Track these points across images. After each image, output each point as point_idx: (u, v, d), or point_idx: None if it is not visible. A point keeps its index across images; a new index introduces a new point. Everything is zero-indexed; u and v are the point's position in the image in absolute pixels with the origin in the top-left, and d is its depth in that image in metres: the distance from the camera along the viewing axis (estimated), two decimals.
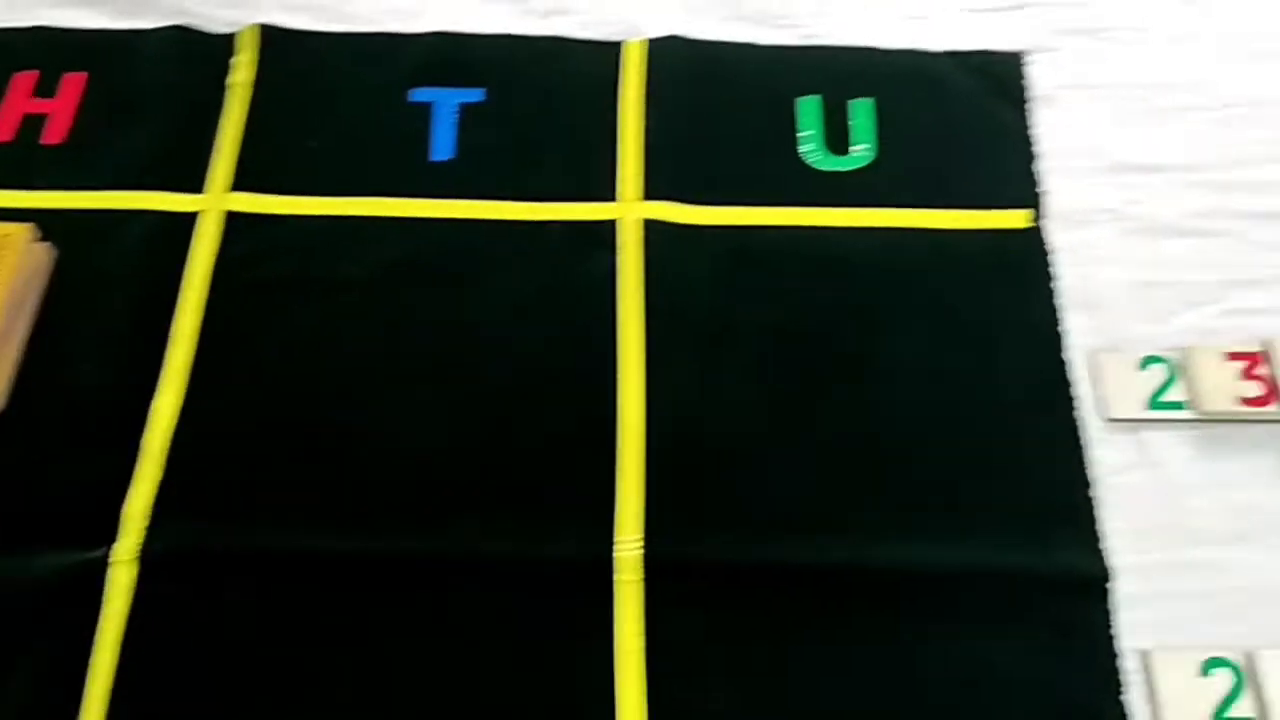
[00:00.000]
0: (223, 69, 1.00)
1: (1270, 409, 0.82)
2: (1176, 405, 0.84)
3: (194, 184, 0.94)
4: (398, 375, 0.86)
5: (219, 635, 0.76)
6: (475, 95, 0.98)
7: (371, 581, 0.78)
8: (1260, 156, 0.95)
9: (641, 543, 0.78)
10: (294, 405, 0.85)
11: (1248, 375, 0.84)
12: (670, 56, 1.00)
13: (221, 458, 0.82)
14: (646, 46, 1.01)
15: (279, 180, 0.95)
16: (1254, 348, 0.85)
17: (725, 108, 0.98)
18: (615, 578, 0.77)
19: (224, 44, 1.02)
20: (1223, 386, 0.83)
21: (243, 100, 0.98)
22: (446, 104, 0.98)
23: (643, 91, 0.99)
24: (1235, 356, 0.84)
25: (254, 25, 1.02)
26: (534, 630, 0.77)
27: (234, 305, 0.88)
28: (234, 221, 0.92)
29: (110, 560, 0.77)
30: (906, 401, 0.85)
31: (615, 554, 0.78)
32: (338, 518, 0.80)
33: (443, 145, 0.97)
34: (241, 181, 0.94)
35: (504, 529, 0.80)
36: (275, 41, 1.01)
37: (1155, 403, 0.84)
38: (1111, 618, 0.76)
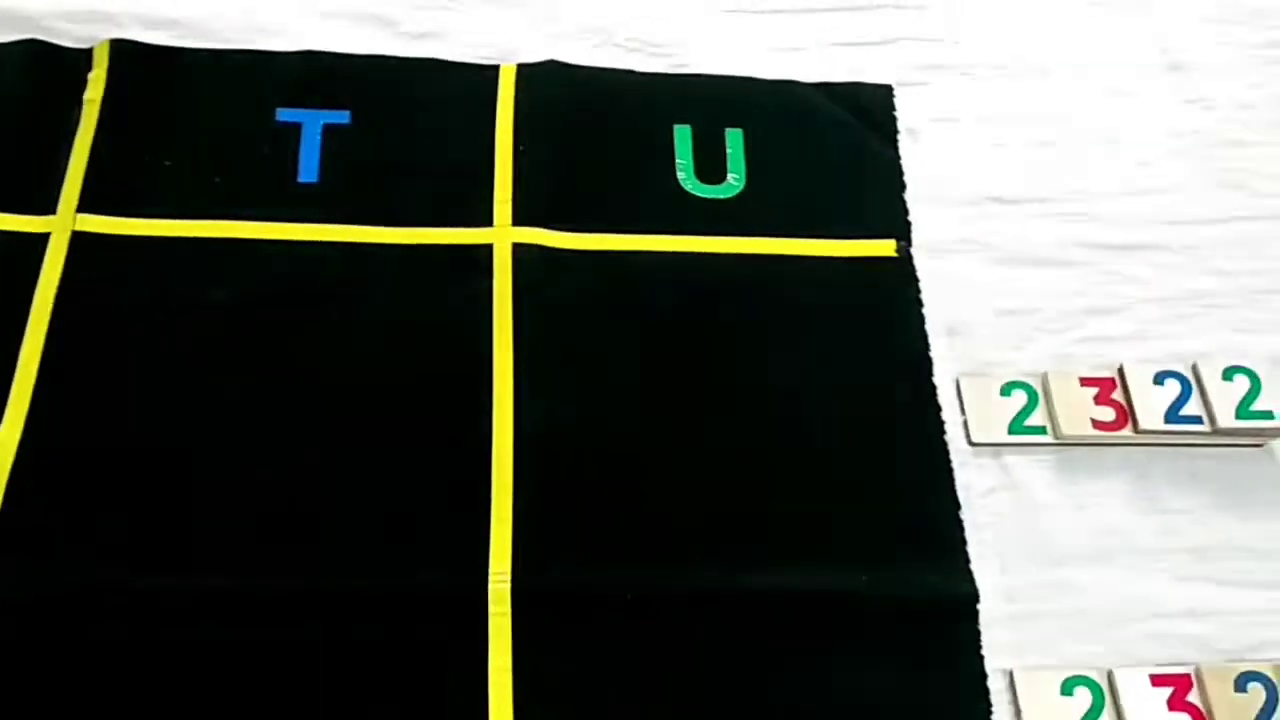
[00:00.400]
0: (78, 85, 0.96)
1: (1124, 432, 0.85)
2: (1037, 430, 0.86)
3: (44, 205, 0.90)
4: (258, 404, 0.83)
5: (58, 682, 0.72)
6: (340, 117, 0.96)
7: (231, 617, 0.74)
8: (1115, 190, 0.99)
9: (509, 575, 0.77)
10: (144, 436, 0.81)
11: (1101, 400, 0.86)
12: (545, 81, 1.00)
13: (63, 492, 0.78)
14: (521, 71, 1.00)
15: (133, 201, 0.91)
16: (1107, 373, 0.87)
17: (599, 134, 0.98)
18: (489, 610, 0.76)
19: (79, 59, 0.97)
20: (1079, 411, 0.86)
21: (96, 117, 0.94)
22: (312, 125, 0.96)
23: (516, 116, 0.98)
24: (1089, 382, 0.87)
25: (108, 40, 0.98)
26: (406, 664, 0.74)
27: (81, 332, 0.84)
28: (83, 243, 0.88)
29: None
30: (776, 427, 0.85)
31: (490, 586, 0.76)
32: (194, 553, 0.77)
33: (308, 167, 0.94)
34: (92, 203, 0.90)
35: (375, 562, 0.77)
36: (131, 57, 0.97)
37: (1017, 427, 0.86)
38: (979, 639, 0.77)
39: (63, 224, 0.89)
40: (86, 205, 0.90)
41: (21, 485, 0.77)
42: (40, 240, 0.88)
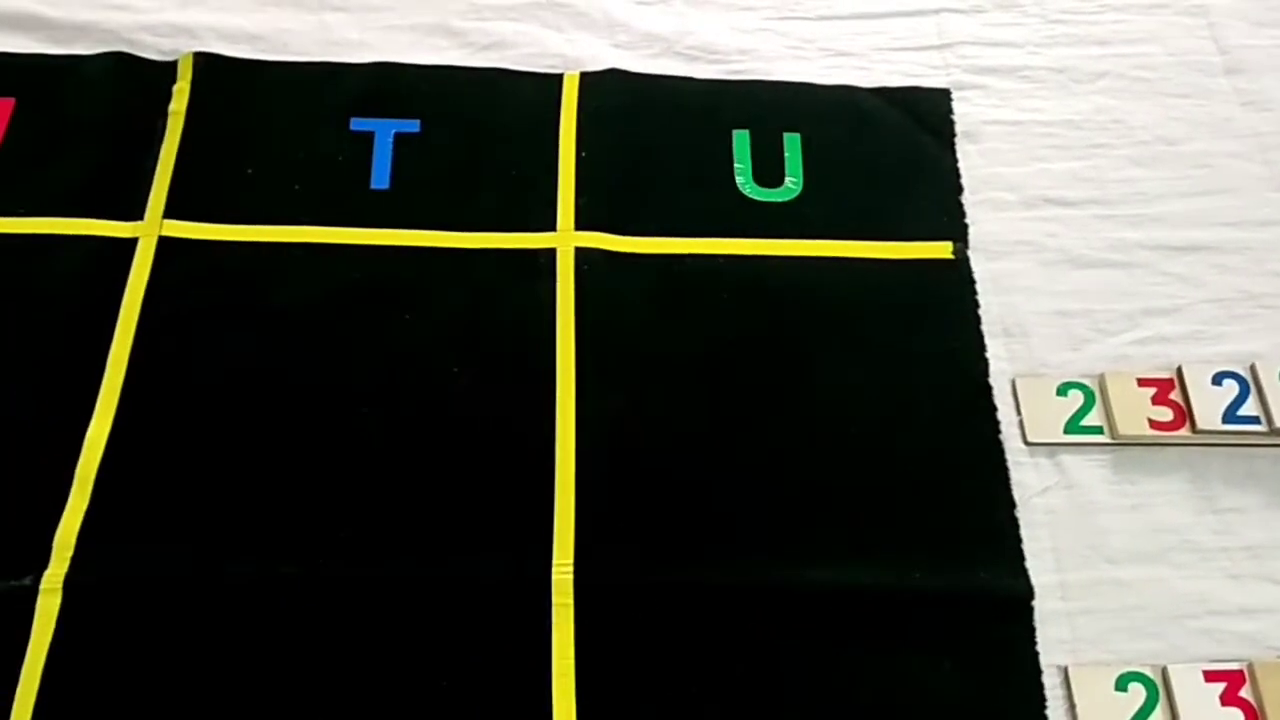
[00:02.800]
0: (163, 96, 1.01)
1: (1181, 433, 0.86)
2: (1093, 430, 0.87)
3: (133, 211, 0.94)
4: (334, 402, 0.87)
5: (144, 663, 0.76)
6: (410, 126, 1.00)
7: (305, 606, 0.78)
8: (1168, 192, 1.00)
9: (572, 566, 0.80)
10: (227, 432, 0.85)
11: (1159, 400, 0.87)
12: (606, 89, 1.03)
13: (151, 485, 0.82)
14: (584, 79, 1.03)
15: (216, 207, 0.95)
16: (1164, 374, 0.88)
17: (659, 139, 1.01)
18: (553, 600, 0.79)
19: (164, 71, 1.02)
20: (1136, 411, 0.87)
21: (181, 128, 0.99)
22: (384, 134, 0.99)
23: (579, 123, 1.01)
24: (1146, 383, 0.88)
25: (192, 53, 1.02)
26: (471, 653, 0.77)
27: (168, 332, 0.88)
28: (169, 248, 0.93)
29: (40, 588, 0.77)
30: (835, 427, 0.87)
31: (553, 576, 0.79)
32: (273, 544, 0.80)
33: (381, 174, 0.98)
34: (178, 208, 0.94)
35: (441, 552, 0.81)
36: (213, 69, 1.02)
37: (1073, 427, 0.87)
38: (1033, 635, 0.79)
39: (150, 229, 0.93)
40: (173, 211, 0.94)
41: (110, 479, 0.82)
42: (129, 245, 0.92)
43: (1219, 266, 0.96)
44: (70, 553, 0.78)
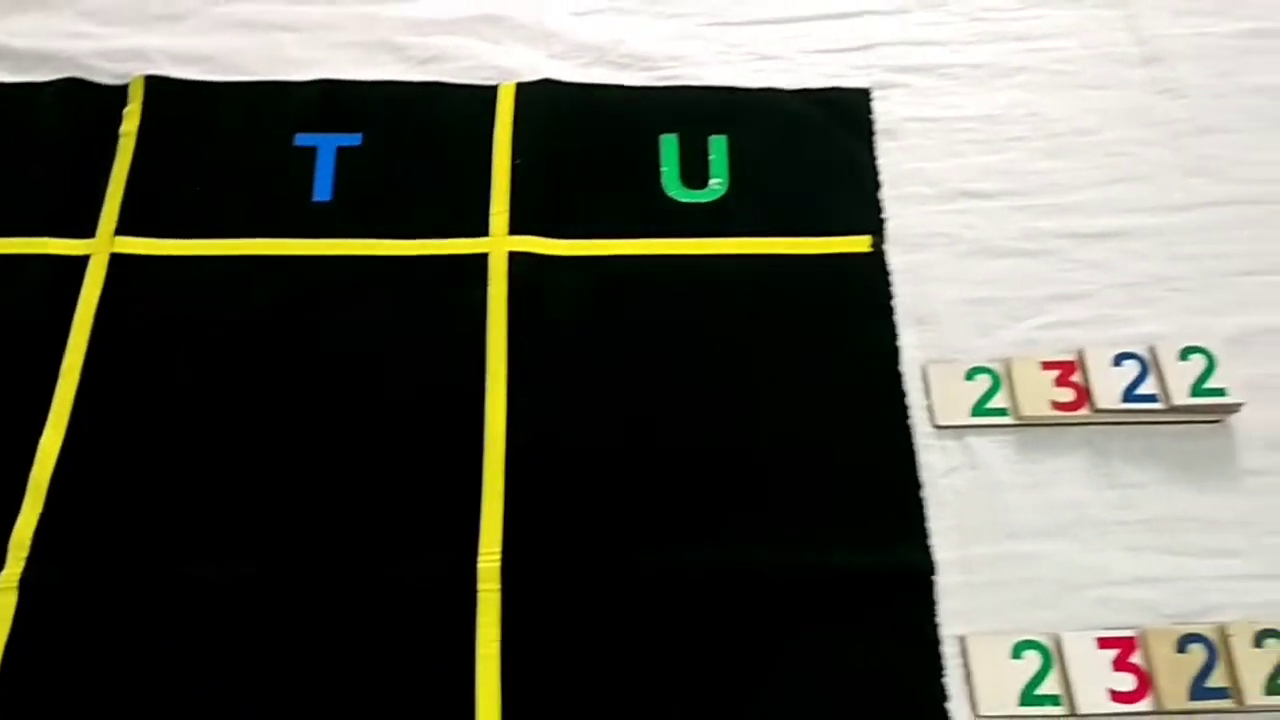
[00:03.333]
0: (115, 118, 1.06)
1: (1082, 412, 0.90)
2: (999, 411, 0.91)
3: (85, 229, 0.99)
4: (277, 408, 0.91)
5: (98, 660, 0.81)
6: (352, 139, 1.04)
7: (248, 601, 0.83)
8: (1082, 181, 1.03)
9: (499, 554, 0.84)
10: (177, 440, 0.90)
11: (1061, 382, 0.91)
12: (540, 99, 1.07)
13: (103, 490, 0.87)
14: (519, 90, 1.08)
15: (166, 223, 1.00)
16: (1069, 357, 0.92)
17: (590, 145, 1.05)
18: (478, 587, 0.83)
19: (116, 95, 1.07)
20: (1039, 393, 0.90)
21: (132, 148, 1.04)
22: (326, 148, 1.04)
23: (513, 132, 1.05)
24: (1050, 365, 0.91)
25: (143, 75, 1.07)
26: (402, 642, 0.82)
27: (119, 344, 0.93)
28: (120, 264, 0.97)
29: None
30: (756, 416, 0.91)
31: (478, 565, 0.84)
32: (218, 545, 0.85)
33: (323, 187, 1.02)
34: (129, 225, 0.99)
35: (378, 547, 0.85)
36: (163, 91, 1.07)
37: (979, 410, 0.91)
38: (934, 608, 0.83)
39: (102, 246, 0.98)
40: (124, 228, 0.99)
41: (64, 485, 0.87)
42: (81, 262, 0.97)
43: (1129, 252, 0.99)
44: (25, 553, 0.83)
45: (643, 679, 0.81)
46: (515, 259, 0.98)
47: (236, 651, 0.81)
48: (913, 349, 0.94)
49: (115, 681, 0.80)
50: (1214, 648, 0.80)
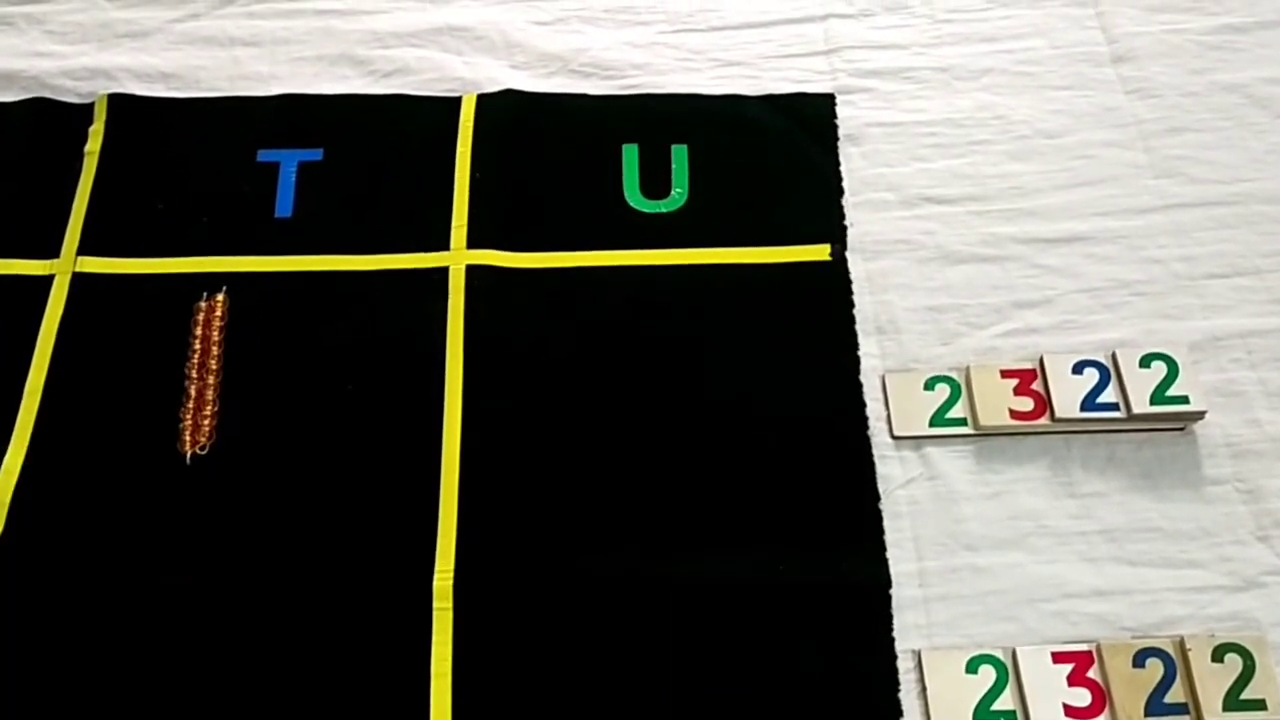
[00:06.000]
0: (79, 138, 1.06)
1: (1041, 421, 0.89)
2: (958, 422, 0.90)
3: (48, 249, 1.00)
4: (239, 422, 0.91)
5: (55, 675, 0.82)
6: (314, 155, 1.04)
7: (202, 624, 0.83)
8: (1046, 185, 1.02)
9: (453, 572, 0.84)
10: (137, 456, 0.90)
11: (1021, 391, 0.90)
12: (501, 109, 1.07)
13: (65, 509, 0.87)
14: (480, 101, 1.07)
15: (129, 242, 1.00)
16: (1029, 365, 0.91)
17: (551, 156, 1.05)
18: (433, 605, 0.83)
19: (80, 114, 1.07)
20: (998, 403, 0.89)
21: (95, 167, 1.04)
22: (288, 163, 1.04)
23: (474, 144, 1.05)
24: (1009, 374, 0.91)
25: (106, 94, 1.07)
26: (358, 657, 0.82)
27: (80, 365, 0.93)
28: (83, 283, 0.98)
29: None
30: (713, 428, 0.91)
31: (434, 583, 0.84)
32: (175, 562, 0.86)
33: (284, 203, 1.02)
34: (92, 246, 1.00)
35: (333, 565, 0.85)
36: (127, 109, 1.07)
37: (938, 420, 0.90)
38: (890, 622, 0.82)
39: (65, 266, 0.99)
40: (87, 248, 1.00)
41: (24, 507, 0.87)
42: (45, 282, 0.98)
43: (1092, 256, 0.98)
44: None
45: (595, 693, 0.81)
46: (473, 273, 0.98)
47: (190, 671, 0.82)
48: (873, 358, 0.94)
49: (71, 691, 0.81)
50: (1172, 662, 0.79)
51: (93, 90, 1.09)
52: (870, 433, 0.90)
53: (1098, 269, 0.98)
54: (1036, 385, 0.90)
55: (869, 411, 0.91)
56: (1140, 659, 0.79)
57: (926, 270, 0.98)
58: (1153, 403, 0.88)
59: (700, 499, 0.88)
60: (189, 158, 1.05)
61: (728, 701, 0.80)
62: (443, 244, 1.00)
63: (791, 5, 1.13)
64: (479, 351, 0.94)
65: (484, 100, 1.07)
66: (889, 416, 0.91)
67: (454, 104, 1.07)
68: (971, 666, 0.80)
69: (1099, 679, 0.79)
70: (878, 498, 0.87)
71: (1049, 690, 0.79)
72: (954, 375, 0.92)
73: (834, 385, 0.92)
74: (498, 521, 0.87)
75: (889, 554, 0.85)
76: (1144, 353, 0.90)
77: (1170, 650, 0.79)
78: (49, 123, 1.07)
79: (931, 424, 0.90)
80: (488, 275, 0.98)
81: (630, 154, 1.04)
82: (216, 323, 0.96)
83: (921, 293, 0.97)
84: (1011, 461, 0.89)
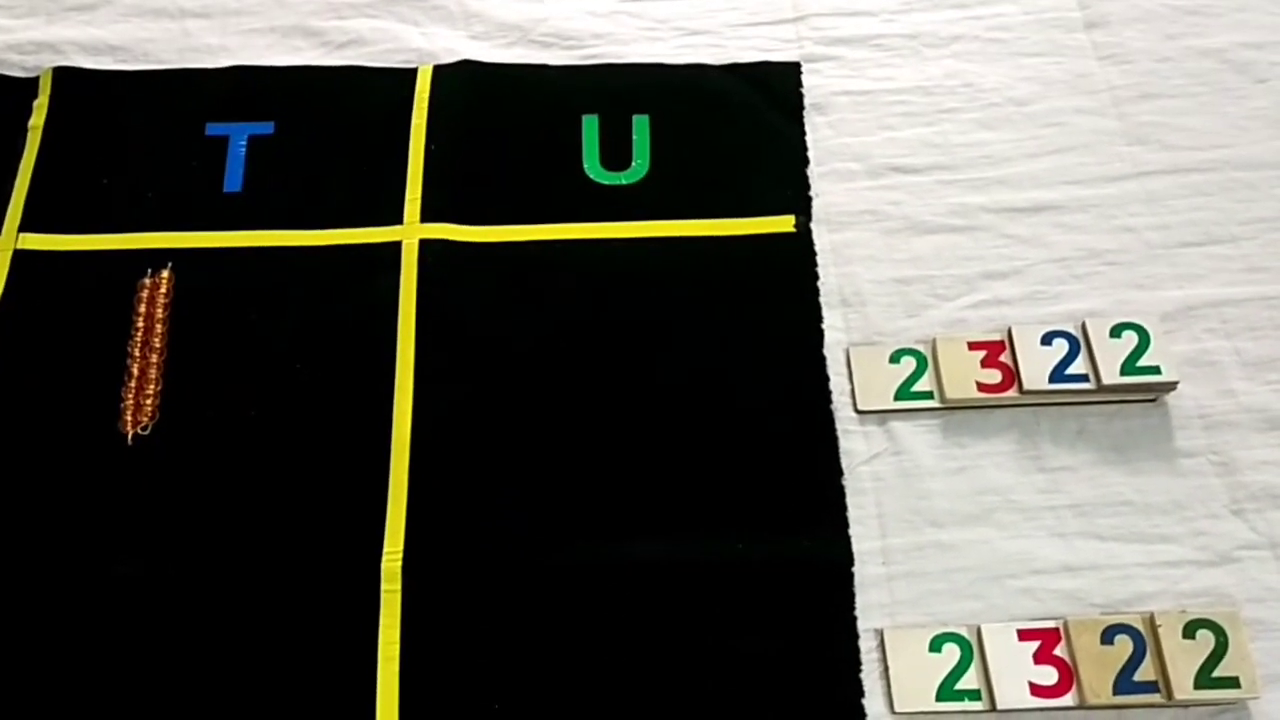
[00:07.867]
0: (24, 112, 1.03)
1: (1009, 394, 0.86)
2: (924, 395, 0.87)
3: None
4: (189, 402, 0.89)
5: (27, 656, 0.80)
6: (264, 128, 1.01)
7: (147, 606, 0.81)
8: (1016, 153, 0.99)
9: (401, 553, 0.81)
10: (81, 439, 0.87)
11: (988, 363, 0.87)
12: (457, 81, 1.04)
13: (9, 493, 0.85)
14: (436, 72, 1.04)
15: (73, 219, 0.97)
16: (997, 336, 0.88)
17: (509, 128, 1.02)
18: (381, 586, 0.81)
19: (25, 88, 1.04)
20: (965, 375, 0.87)
21: (39, 141, 1.01)
22: (238, 137, 1.01)
23: (430, 116, 1.02)
24: (977, 346, 0.88)
25: (52, 68, 1.04)
26: (304, 639, 0.80)
27: (23, 344, 0.91)
28: (24, 261, 0.95)
29: None
30: (672, 405, 0.88)
31: (382, 565, 0.81)
32: (116, 546, 0.83)
33: (234, 178, 0.99)
34: (34, 222, 0.97)
35: (284, 546, 0.83)
36: (72, 83, 1.04)
37: (904, 394, 0.87)
38: (852, 601, 0.80)
39: (5, 244, 0.96)
40: (29, 225, 0.96)
41: None
42: None
43: (1063, 225, 0.96)
44: None
45: (548, 677, 0.78)
46: (427, 247, 0.95)
47: (136, 652, 0.79)
48: (838, 331, 0.91)
49: (19, 681, 0.79)
50: (1142, 639, 0.76)
51: (39, 64, 1.06)
52: (834, 407, 0.87)
53: (1069, 238, 0.95)
54: (1004, 357, 0.87)
55: (833, 386, 0.88)
56: (1109, 636, 0.77)
57: (893, 241, 0.95)
58: (1123, 373, 0.85)
59: (658, 476, 0.85)
60: (135, 132, 1.02)
61: (686, 683, 0.78)
62: (396, 218, 0.97)
63: None
64: (432, 327, 0.91)
65: (440, 71, 1.04)
66: (853, 391, 0.88)
67: (409, 75, 1.04)
68: (935, 645, 0.78)
69: (1066, 656, 0.77)
70: (841, 474, 0.84)
71: (1014, 668, 0.76)
72: (920, 348, 0.89)
73: (797, 359, 0.90)
74: (449, 501, 0.84)
75: (852, 531, 0.82)
76: (1114, 323, 0.87)
77: (1140, 627, 0.77)
78: None
79: (897, 398, 0.87)
80: (442, 249, 0.95)
81: (590, 125, 1.01)
82: (161, 300, 0.93)
83: (888, 264, 0.94)
84: (979, 435, 0.86)
